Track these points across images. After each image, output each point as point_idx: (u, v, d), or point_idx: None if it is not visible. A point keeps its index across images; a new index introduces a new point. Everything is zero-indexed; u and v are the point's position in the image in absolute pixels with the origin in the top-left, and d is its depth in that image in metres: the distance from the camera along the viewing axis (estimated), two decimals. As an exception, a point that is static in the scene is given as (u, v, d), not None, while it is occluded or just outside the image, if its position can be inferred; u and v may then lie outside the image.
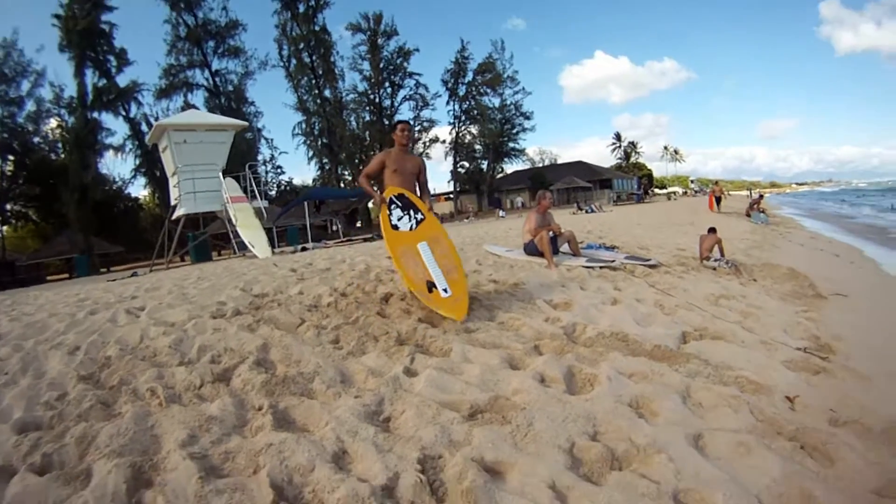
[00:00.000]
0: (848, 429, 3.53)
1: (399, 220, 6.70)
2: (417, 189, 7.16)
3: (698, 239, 11.71)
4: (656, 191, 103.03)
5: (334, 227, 39.44)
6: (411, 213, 6.78)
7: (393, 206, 6.73)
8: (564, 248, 11.08)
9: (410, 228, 6.70)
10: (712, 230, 11.73)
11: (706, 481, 2.79)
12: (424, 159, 7.70)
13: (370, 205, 53.68)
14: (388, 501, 2.54)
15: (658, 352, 4.96)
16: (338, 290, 8.17)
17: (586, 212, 45.78)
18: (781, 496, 2.72)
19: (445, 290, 6.13)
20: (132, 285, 13.02)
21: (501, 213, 58.88)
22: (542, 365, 4.35)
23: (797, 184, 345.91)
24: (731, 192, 75.86)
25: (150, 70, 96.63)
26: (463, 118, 78.03)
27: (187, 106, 57.69)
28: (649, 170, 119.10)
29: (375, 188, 7.03)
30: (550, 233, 10.34)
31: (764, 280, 9.69)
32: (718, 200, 36.69)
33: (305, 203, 29.68)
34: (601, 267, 9.52)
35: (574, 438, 3.14)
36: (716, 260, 10.76)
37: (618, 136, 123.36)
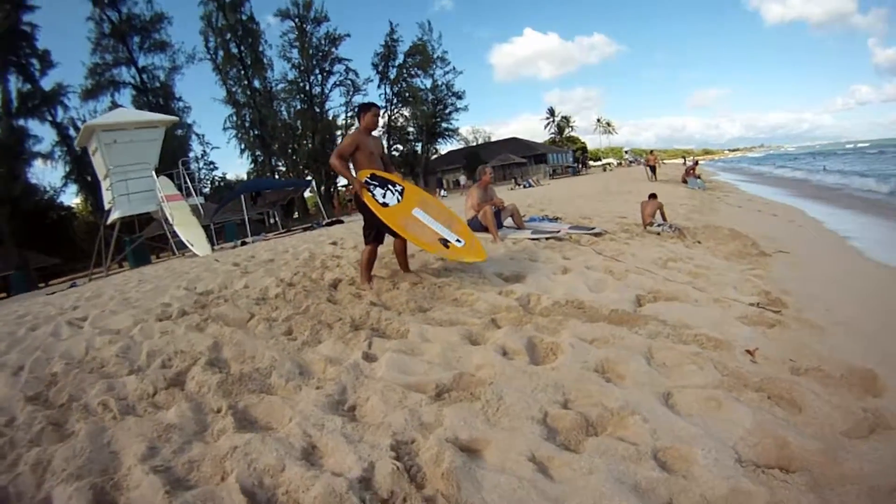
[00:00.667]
0: (809, 376, 3.65)
1: (384, 196, 6.71)
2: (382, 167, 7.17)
3: (639, 206, 11.84)
4: (592, 163, 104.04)
5: (272, 220, 39.28)
6: (390, 187, 6.85)
7: (372, 187, 6.72)
8: (508, 221, 11.11)
9: (398, 201, 6.77)
10: (653, 196, 11.94)
11: (683, 438, 2.82)
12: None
13: (307, 193, 53.24)
14: (367, 494, 2.45)
15: (616, 316, 5.00)
16: (284, 281, 8.09)
17: (524, 186, 46.29)
18: (757, 445, 2.77)
19: (459, 241, 6.51)
20: (72, 296, 12.72)
21: (443, 192, 58.89)
22: (503, 338, 4.32)
23: (730, 150, 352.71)
24: (665, 161, 76.75)
25: (74, 71, 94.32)
26: (395, 101, 77.95)
27: (114, 106, 55.06)
28: (583, 143, 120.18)
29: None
30: (494, 207, 10.39)
31: (708, 242, 9.85)
32: (653, 169, 37.08)
33: (242, 196, 29.10)
34: (547, 238, 9.52)
35: (546, 408, 3.12)
36: (659, 225, 10.89)
37: (551, 112, 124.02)
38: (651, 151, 58.39)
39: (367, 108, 6.93)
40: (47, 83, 55.86)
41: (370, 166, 6.90)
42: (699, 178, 28.72)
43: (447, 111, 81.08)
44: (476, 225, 10.40)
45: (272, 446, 2.86)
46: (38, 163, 56.64)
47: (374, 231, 6.75)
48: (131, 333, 6.18)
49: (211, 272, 10.94)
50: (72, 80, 62.21)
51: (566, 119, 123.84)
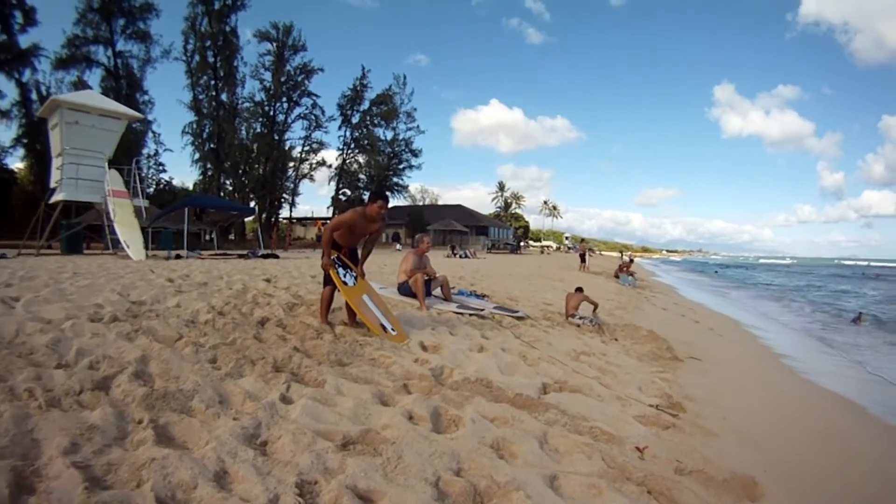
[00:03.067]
0: (692, 477, 4.00)
1: (345, 276, 7.74)
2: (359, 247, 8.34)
3: (565, 296, 12.22)
4: (531, 243, 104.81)
5: (208, 237, 38.76)
6: (349, 271, 7.89)
7: (337, 266, 7.74)
8: (437, 292, 11.39)
9: (353, 284, 7.81)
10: (579, 289, 12.33)
11: None
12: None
13: (247, 219, 52.73)
14: None
15: (519, 400, 5.27)
16: (215, 308, 8.29)
17: (460, 256, 46.76)
18: None
19: (393, 330, 7.48)
20: (4, 270, 12.64)
21: (398, 246, 58.89)
22: (411, 403, 4.56)
23: (668, 250, 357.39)
24: (602, 252, 77.80)
25: (50, 35, 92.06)
26: (352, 146, 78.33)
27: (80, 82, 54.13)
28: (527, 221, 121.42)
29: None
30: (425, 276, 10.67)
31: (625, 340, 10.18)
32: (583, 257, 37.76)
33: (186, 209, 28.89)
34: (470, 314, 9.83)
35: (440, 473, 3.34)
36: (581, 318, 11.18)
37: (501, 186, 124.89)
38: (583, 240, 59.06)
39: (377, 197, 7.72)
40: (25, 41, 53.70)
41: (349, 243, 8.07)
42: (631, 275, 29.17)
43: (401, 166, 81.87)
44: (406, 290, 10.74)
45: (188, 464, 3.01)
46: (-9, 117, 53.69)
47: (330, 281, 7.80)
48: (62, 327, 6.26)
49: (145, 282, 11.10)
50: (46, 43, 59.59)
51: (516, 196, 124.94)
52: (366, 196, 76.30)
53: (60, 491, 2.67)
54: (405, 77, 79.16)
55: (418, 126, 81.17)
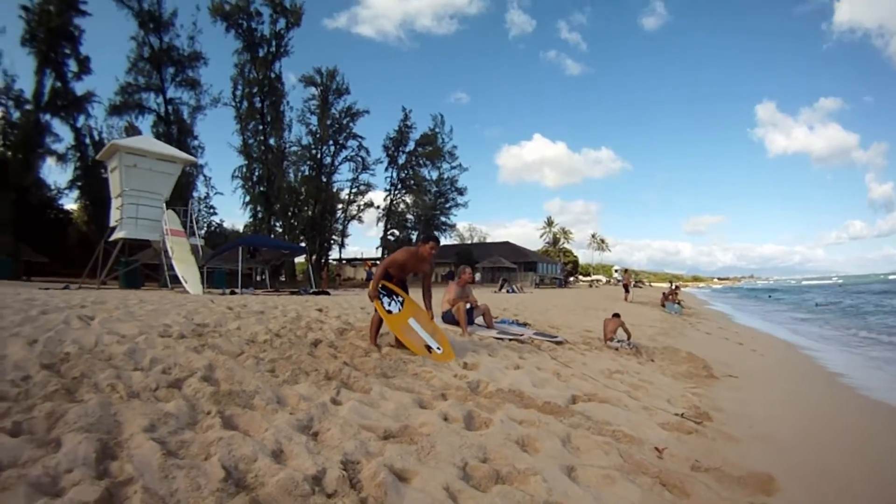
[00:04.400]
0: (708, 474, 4.27)
1: (390, 305, 8.26)
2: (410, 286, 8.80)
3: (603, 322, 12.60)
4: (581, 278, 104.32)
5: (259, 277, 39.39)
6: (394, 297, 8.37)
7: (382, 296, 8.25)
8: (479, 320, 11.85)
9: (399, 310, 8.28)
10: (616, 315, 12.64)
11: (572, 498, 3.43)
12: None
13: (298, 260, 53.13)
14: (317, 487, 3.10)
15: (548, 407, 5.67)
16: (272, 331, 8.91)
17: (507, 291, 47.38)
18: None
19: (439, 349, 7.97)
20: (76, 295, 13.81)
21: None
22: (447, 407, 5.06)
23: (719, 278, 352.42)
24: (652, 283, 77.25)
25: (102, 82, 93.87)
26: (399, 186, 78.26)
27: (132, 127, 56.02)
28: (575, 256, 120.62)
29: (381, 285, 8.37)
30: (468, 304, 11.20)
31: (662, 361, 10.50)
32: (626, 288, 38.03)
33: (240, 248, 29.57)
34: (510, 339, 10.19)
35: (467, 460, 3.79)
36: (619, 341, 11.57)
37: (549, 222, 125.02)
38: (626, 270, 58.83)
39: (429, 239, 8.46)
40: (79, 88, 55.90)
41: (397, 275, 8.58)
42: (677, 303, 29.29)
43: (447, 205, 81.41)
44: (449, 318, 11.24)
45: (250, 444, 3.55)
46: (50, 160, 55.56)
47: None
48: (136, 340, 7.06)
49: (207, 309, 11.84)
50: (100, 90, 60.97)
51: (564, 231, 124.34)
52: (413, 236, 76.43)
53: (141, 457, 3.20)
54: (442, 116, 78.92)
55: (461, 164, 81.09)
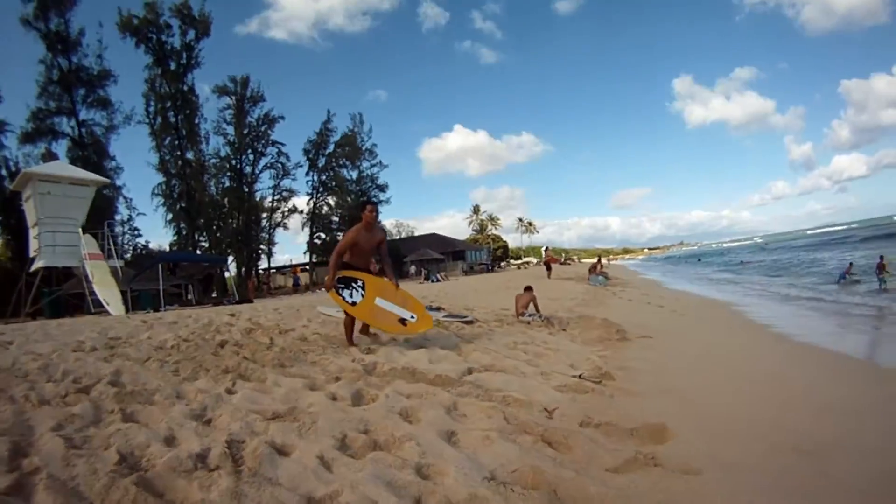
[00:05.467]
0: (597, 429, 4.46)
1: (351, 296, 8.00)
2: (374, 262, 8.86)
3: (515, 298, 13.06)
4: (512, 261, 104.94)
5: (189, 295, 38.75)
6: (353, 285, 8.07)
7: (340, 290, 8.00)
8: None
9: (362, 296, 8.03)
10: (528, 289, 13.09)
11: (446, 459, 3.60)
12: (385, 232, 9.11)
13: (229, 273, 52.33)
14: (200, 464, 3.40)
15: (439, 380, 5.95)
16: (181, 337, 9.29)
17: (432, 281, 48.18)
18: (514, 472, 3.45)
19: (412, 317, 8.02)
20: None
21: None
22: (336, 388, 5.40)
23: (649, 248, 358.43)
24: (583, 260, 78.28)
25: (13, 109, 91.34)
26: (321, 189, 77.48)
27: (48, 153, 53.47)
28: (504, 241, 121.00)
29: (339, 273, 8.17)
30: None
31: (574, 330, 10.86)
32: (548, 266, 38.88)
33: (160, 266, 29.32)
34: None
35: (347, 432, 4.05)
36: (530, 315, 12.00)
37: (475, 210, 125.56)
38: (547, 249, 59.55)
39: (364, 204, 8.28)
40: None
41: (360, 261, 8.33)
42: (602, 275, 30.00)
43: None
44: None
45: (145, 433, 3.94)
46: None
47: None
48: (51, 357, 7.61)
49: (122, 324, 12.46)
50: (11, 118, 58.51)
51: (491, 217, 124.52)
52: (339, 237, 76.18)
53: (47, 452, 3.61)
54: (361, 115, 78.68)
55: (381, 161, 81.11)
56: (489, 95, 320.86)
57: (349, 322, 8.32)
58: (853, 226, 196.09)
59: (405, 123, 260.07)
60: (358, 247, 8.16)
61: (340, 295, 7.95)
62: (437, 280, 49.45)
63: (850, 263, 22.12)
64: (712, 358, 8.44)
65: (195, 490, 3.06)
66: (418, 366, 6.56)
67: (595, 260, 41.45)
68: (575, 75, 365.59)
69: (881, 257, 22.15)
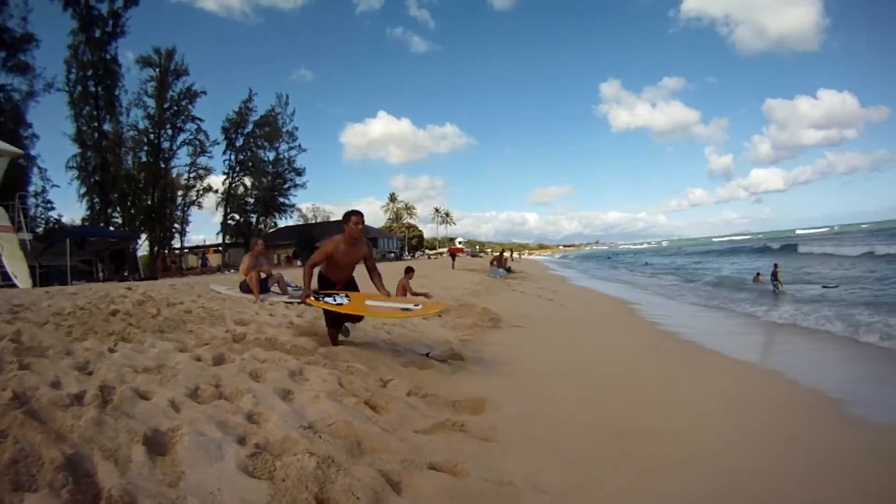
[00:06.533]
0: (422, 398, 5.32)
1: (335, 300, 7.21)
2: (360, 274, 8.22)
3: (398, 282, 14.22)
4: (427, 251, 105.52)
5: (101, 273, 37.54)
6: (335, 296, 7.31)
7: (321, 297, 7.24)
8: (275, 288, 12.97)
9: (348, 301, 7.22)
10: (408, 271, 14.45)
11: (275, 410, 4.31)
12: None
13: (142, 252, 51.35)
14: (76, 401, 3.94)
15: (294, 349, 6.89)
16: (78, 305, 9.89)
17: None
18: (331, 425, 4.15)
19: (416, 305, 7.58)
20: None
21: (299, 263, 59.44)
22: (203, 351, 6.18)
23: (564, 245, 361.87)
24: (496, 253, 79.31)
25: None
26: (238, 169, 74.85)
27: None
28: (420, 231, 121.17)
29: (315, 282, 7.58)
30: (262, 274, 12.42)
31: (450, 315, 11.80)
32: (453, 257, 40.12)
33: (67, 240, 29.34)
34: (299, 303, 11.14)
35: (200, 384, 4.76)
36: (410, 297, 12.86)
37: (392, 198, 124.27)
38: (452, 240, 60.37)
39: (350, 215, 7.20)
40: None
41: (339, 276, 7.60)
42: (504, 268, 30.98)
43: (286, 186, 79.40)
44: (245, 287, 12.44)
45: (35, 378, 4.44)
46: None
47: (331, 319, 7.37)
48: None
49: (26, 293, 13.32)
50: None
51: (407, 206, 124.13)
52: (253, 219, 74.42)
53: None
54: (287, 96, 77.02)
55: (300, 145, 79.41)
56: (416, 84, 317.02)
57: (333, 334, 7.48)
58: (759, 236, 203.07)
59: (329, 106, 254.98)
60: (333, 260, 7.39)
61: (322, 300, 7.17)
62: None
63: (775, 267, 23.74)
64: (573, 349, 9.25)
65: (69, 419, 3.59)
66: (281, 337, 7.47)
67: (498, 253, 42.32)
68: (504, 71, 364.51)
69: (775, 265, 23.92)
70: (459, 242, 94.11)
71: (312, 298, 7.21)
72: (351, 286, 7.70)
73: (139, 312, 9.24)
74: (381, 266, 7.77)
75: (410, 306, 7.40)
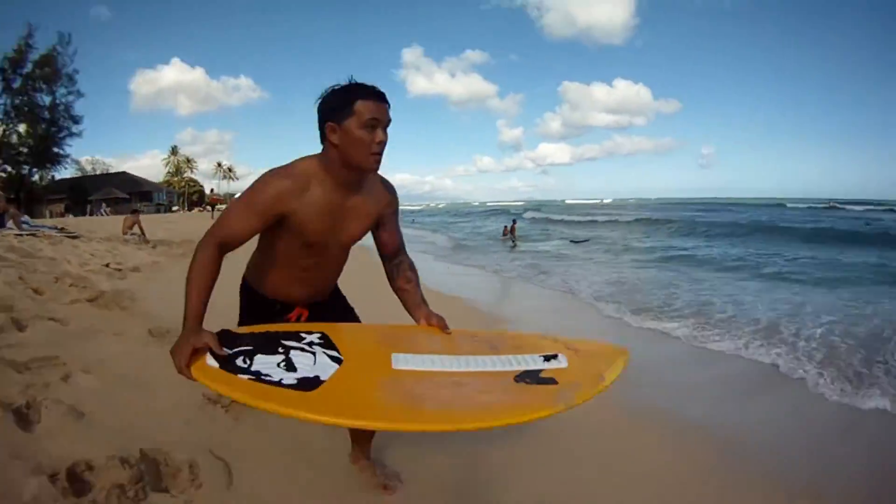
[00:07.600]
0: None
1: (284, 363, 2.03)
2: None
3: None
4: (209, 207, 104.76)
5: None
6: (293, 345, 2.20)
7: (238, 358, 2.00)
8: (10, 224, 14.01)
9: (337, 364, 2.08)
10: (134, 212, 16.36)
11: None
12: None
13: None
14: None
15: None
16: None
17: (99, 215, 53.26)
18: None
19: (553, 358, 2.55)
20: None
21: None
22: None
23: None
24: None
25: None
26: (13, 115, 65.81)
27: None
28: (200, 186, 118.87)
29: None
30: None
31: (162, 247, 14.19)
32: (213, 207, 45.85)
33: None
34: (27, 234, 12.57)
35: None
36: (132, 234, 15.55)
37: (173, 151, 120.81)
38: (212, 190, 61.03)
39: (356, 90, 2.43)
40: None
41: (293, 280, 2.54)
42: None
43: (61, 135, 70.12)
44: None
45: None
46: None
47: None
48: None
49: None
50: None
51: (188, 160, 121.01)
52: (25, 171, 68.50)
53: None
54: (70, 35, 69.45)
55: (79, 90, 69.75)
56: (213, 32, 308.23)
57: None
58: (531, 203, 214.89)
59: (122, 50, 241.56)
60: (291, 235, 2.31)
61: (237, 375, 1.88)
62: (104, 214, 53.60)
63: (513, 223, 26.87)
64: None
65: None
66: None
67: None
68: (305, 25, 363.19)
69: (514, 221, 27.87)
70: (211, 192, 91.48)
71: (202, 363, 1.92)
72: (330, 308, 2.74)
73: None
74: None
75: (548, 366, 2.19)
